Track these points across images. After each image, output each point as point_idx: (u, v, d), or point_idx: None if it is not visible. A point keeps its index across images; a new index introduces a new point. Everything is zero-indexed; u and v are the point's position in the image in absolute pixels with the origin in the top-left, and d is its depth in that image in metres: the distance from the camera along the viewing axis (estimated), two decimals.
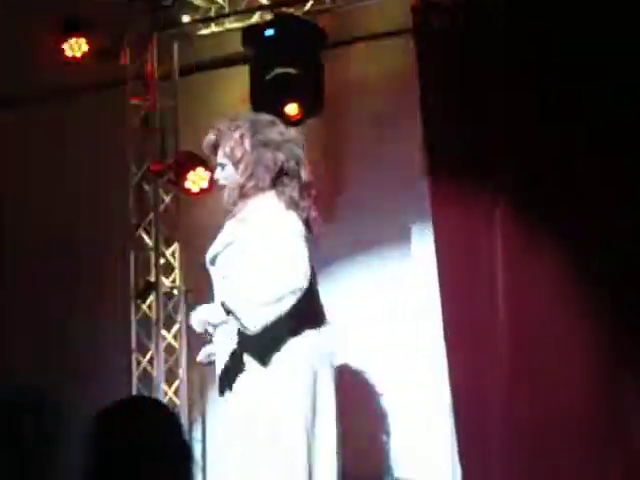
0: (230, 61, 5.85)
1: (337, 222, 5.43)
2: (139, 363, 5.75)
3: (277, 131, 3.84)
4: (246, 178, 3.77)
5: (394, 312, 5.38)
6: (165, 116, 5.95)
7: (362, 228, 5.45)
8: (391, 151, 5.38)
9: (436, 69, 5.07)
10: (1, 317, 6.44)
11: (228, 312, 3.63)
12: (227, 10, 5.73)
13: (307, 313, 3.70)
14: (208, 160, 4.55)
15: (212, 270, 3.87)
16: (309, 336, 3.73)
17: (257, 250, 3.65)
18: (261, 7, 5.63)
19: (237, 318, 3.61)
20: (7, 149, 6.40)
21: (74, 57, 5.79)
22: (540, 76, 4.82)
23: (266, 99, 5.24)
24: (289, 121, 5.14)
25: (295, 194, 3.76)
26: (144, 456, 2.24)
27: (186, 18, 5.85)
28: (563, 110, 4.78)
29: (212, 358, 3.86)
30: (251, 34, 5.38)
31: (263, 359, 3.67)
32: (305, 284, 3.61)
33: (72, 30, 5.77)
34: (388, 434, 5.39)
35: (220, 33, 5.78)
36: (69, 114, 6.23)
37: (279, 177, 3.77)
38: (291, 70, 5.27)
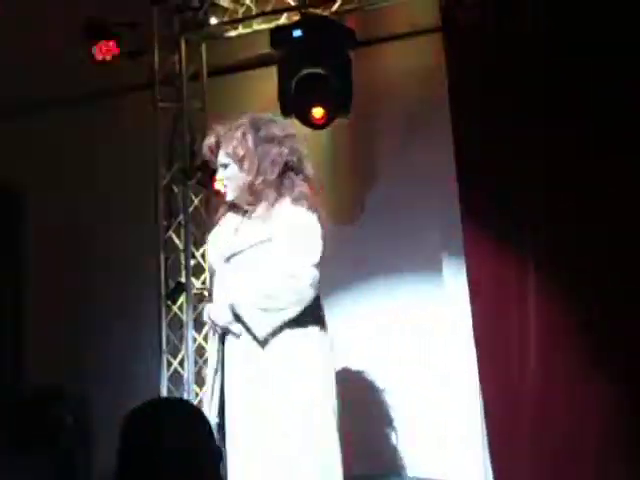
0: (258, 62, 5.86)
1: (365, 235, 5.47)
2: (170, 364, 5.77)
3: (278, 127, 3.90)
4: (254, 175, 3.81)
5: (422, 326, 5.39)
6: (194, 118, 5.97)
7: (390, 242, 5.45)
8: (421, 152, 5.36)
9: (465, 67, 5.04)
10: (32, 319, 6.50)
11: (236, 316, 3.71)
12: (255, 11, 5.72)
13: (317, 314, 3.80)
14: None
15: (223, 267, 3.88)
16: (321, 334, 3.80)
17: (279, 254, 3.72)
18: (289, 8, 5.62)
19: (245, 324, 3.71)
20: (34, 151, 6.46)
21: (103, 60, 5.81)
22: (572, 74, 4.78)
23: (294, 100, 5.23)
24: (315, 123, 5.16)
25: (305, 189, 3.82)
26: (174, 458, 2.24)
27: (214, 20, 5.85)
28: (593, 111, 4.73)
29: None
30: (279, 35, 5.37)
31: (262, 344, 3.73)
32: (313, 294, 3.72)
33: (101, 33, 5.79)
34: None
35: (248, 34, 5.78)
36: (98, 116, 6.28)
37: (285, 172, 3.82)
38: (319, 70, 5.25)
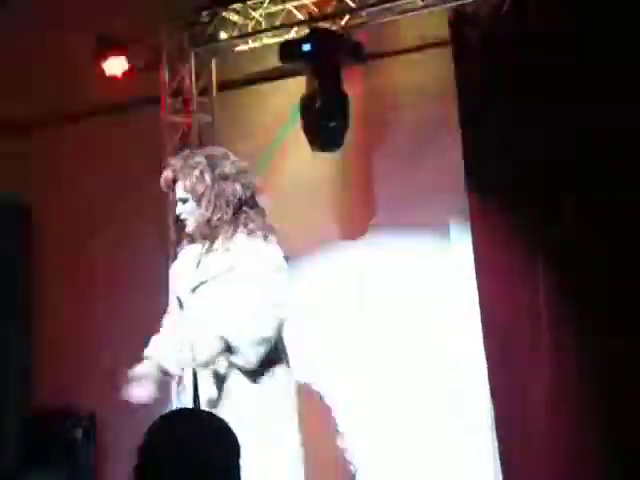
0: (267, 76, 5.88)
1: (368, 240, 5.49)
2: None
3: (231, 164, 4.13)
4: (212, 212, 4.04)
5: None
6: (203, 132, 5.98)
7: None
8: (432, 164, 5.37)
9: (474, 82, 5.05)
10: (42, 333, 6.52)
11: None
12: (264, 26, 5.74)
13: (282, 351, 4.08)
14: None
15: (189, 298, 4.09)
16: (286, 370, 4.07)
17: (248, 285, 3.94)
18: (298, 22, 5.64)
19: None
20: (42, 165, 6.49)
21: (114, 75, 5.85)
22: (581, 92, 4.78)
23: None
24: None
25: (258, 222, 4.06)
26: (192, 471, 2.22)
27: (223, 34, 5.88)
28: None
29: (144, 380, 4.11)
30: (288, 49, 5.39)
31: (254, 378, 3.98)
32: (289, 316, 3.98)
33: (112, 48, 5.82)
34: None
35: (257, 49, 5.80)
36: (109, 131, 6.30)
37: (240, 207, 4.07)
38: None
